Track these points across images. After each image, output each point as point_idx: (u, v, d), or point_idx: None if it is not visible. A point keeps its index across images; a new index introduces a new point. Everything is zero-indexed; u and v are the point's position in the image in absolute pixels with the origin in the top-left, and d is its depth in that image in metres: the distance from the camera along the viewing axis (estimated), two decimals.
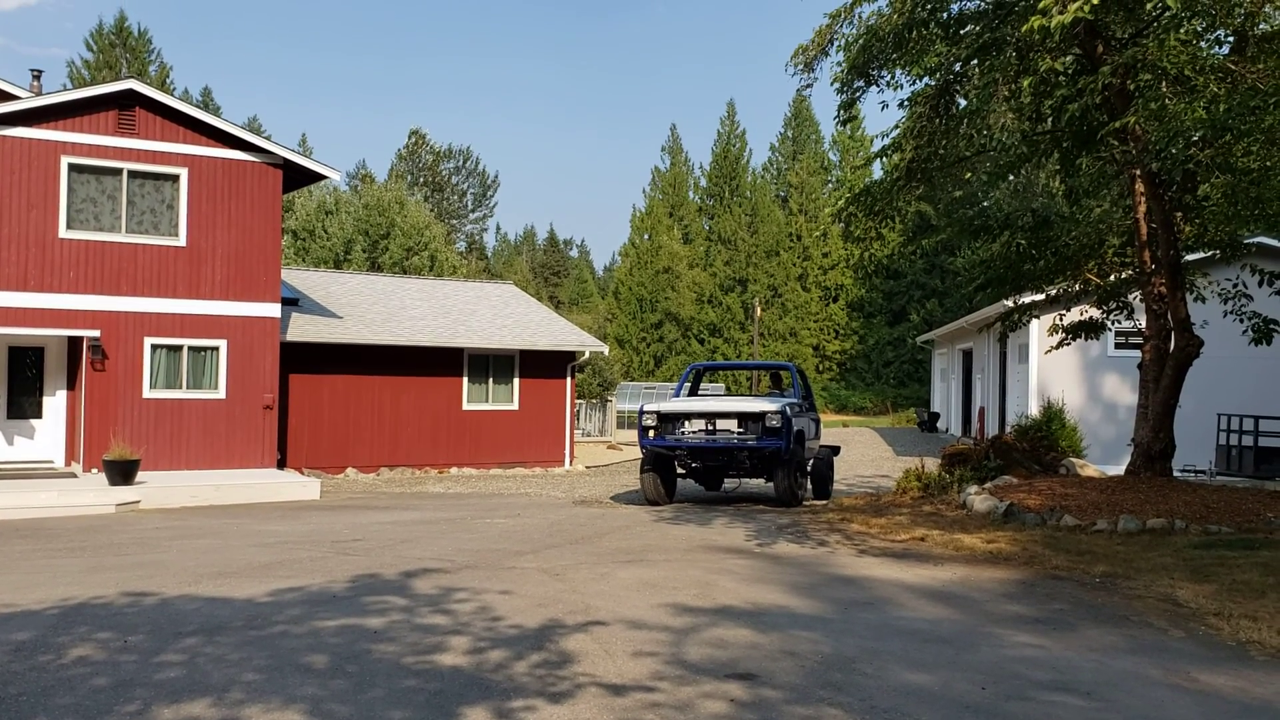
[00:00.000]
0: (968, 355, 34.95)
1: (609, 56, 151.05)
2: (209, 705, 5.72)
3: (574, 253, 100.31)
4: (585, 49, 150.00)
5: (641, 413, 16.51)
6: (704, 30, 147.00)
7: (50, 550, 11.54)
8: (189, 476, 18.18)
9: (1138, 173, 14.24)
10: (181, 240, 19.22)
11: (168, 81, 57.02)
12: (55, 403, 19.61)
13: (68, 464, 19.41)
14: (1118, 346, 23.65)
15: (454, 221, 73.58)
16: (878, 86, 14.96)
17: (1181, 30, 12.23)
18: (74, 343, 19.30)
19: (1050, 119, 14.74)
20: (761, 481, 18.25)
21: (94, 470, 18.20)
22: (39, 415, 19.52)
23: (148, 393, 18.96)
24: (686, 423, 16.20)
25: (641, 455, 16.84)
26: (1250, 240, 17.10)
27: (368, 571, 9.94)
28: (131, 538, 12.59)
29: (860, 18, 14.60)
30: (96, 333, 18.43)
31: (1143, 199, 14.79)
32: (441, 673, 6.39)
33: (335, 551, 11.31)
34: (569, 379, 25.72)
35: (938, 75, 13.92)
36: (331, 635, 7.31)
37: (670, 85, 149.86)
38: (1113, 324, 17.51)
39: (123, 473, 16.73)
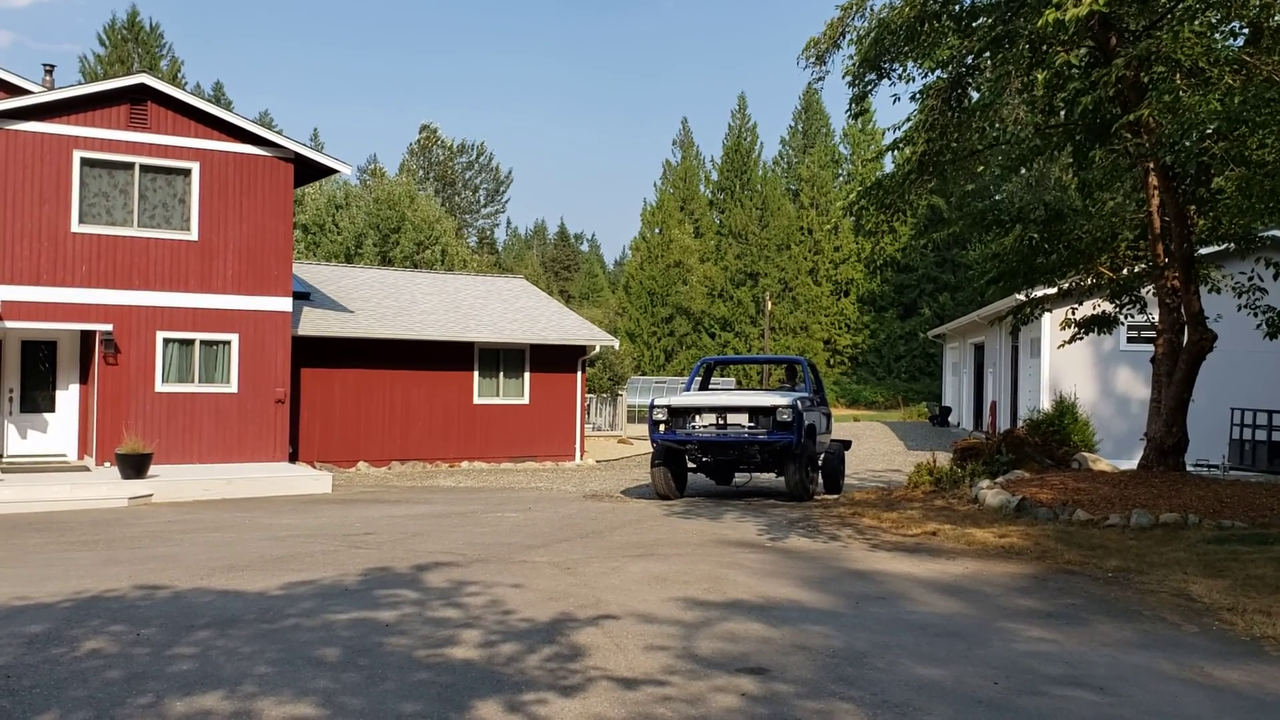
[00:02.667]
0: (979, 349, 34.85)
1: (619, 52, 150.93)
2: (221, 698, 5.73)
3: (585, 247, 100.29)
4: (595, 45, 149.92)
5: (652, 407, 16.49)
6: (713, 24, 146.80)
7: (63, 543, 11.60)
8: (201, 470, 18.24)
9: (1151, 166, 14.16)
10: (193, 234, 19.26)
11: (179, 76, 57.11)
12: (68, 397, 19.69)
13: (80, 457, 19.49)
14: (1130, 340, 23.53)
15: (466, 216, 73.64)
16: (889, 79, 14.89)
17: (1196, 22, 12.15)
18: (86, 337, 19.37)
19: (1063, 111, 14.67)
20: (772, 476, 18.24)
21: (107, 464, 18.27)
22: (52, 409, 19.60)
23: (160, 386, 19.02)
24: (697, 417, 16.18)
25: (652, 449, 16.83)
26: (1265, 234, 16.99)
27: (379, 565, 9.95)
28: (144, 531, 12.64)
29: (872, 10, 14.54)
30: (109, 327, 18.49)
31: (1156, 192, 14.71)
32: (453, 666, 6.40)
33: (347, 545, 11.33)
34: (579, 373, 25.72)
35: (950, 68, 13.85)
36: (343, 628, 7.32)
37: (681, 80, 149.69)
38: (1125, 318, 17.42)
39: (135, 466, 16.79)
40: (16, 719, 5.36)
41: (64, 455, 19.55)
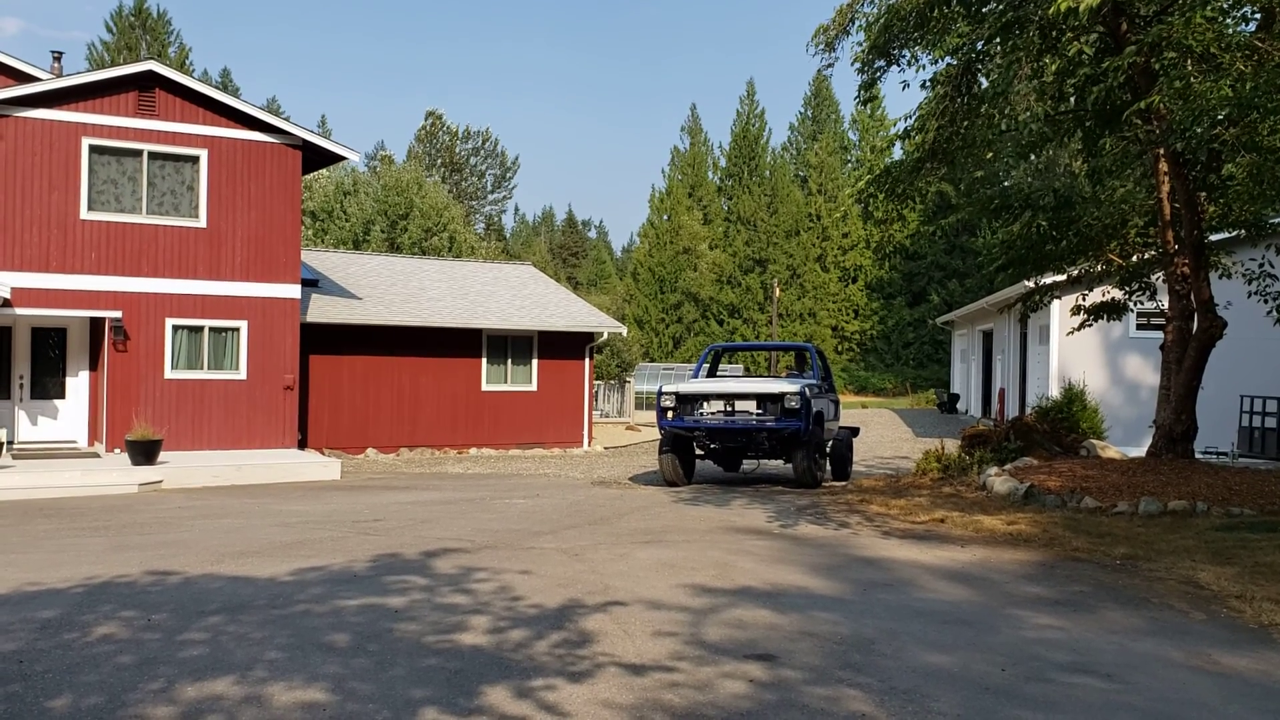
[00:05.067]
0: (988, 336, 34.79)
1: (626, 39, 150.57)
2: (232, 683, 5.77)
3: (592, 234, 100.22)
4: (602, 32, 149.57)
5: (660, 394, 16.50)
6: (722, 10, 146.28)
7: (74, 529, 11.66)
8: (210, 456, 18.31)
9: (1161, 152, 14.09)
10: (202, 221, 19.29)
11: (187, 63, 57.09)
12: (78, 383, 19.75)
13: (91, 444, 19.56)
14: (1140, 327, 23.47)
15: (473, 203, 73.56)
16: (899, 66, 14.85)
17: (1208, 7, 12.06)
18: (96, 324, 19.42)
19: (1073, 98, 14.59)
20: (780, 463, 18.24)
21: (117, 450, 18.34)
22: (62, 396, 19.67)
23: (169, 373, 19.08)
24: (705, 404, 16.18)
25: (660, 436, 16.85)
26: (1276, 220, 16.91)
27: (388, 551, 9.99)
28: (154, 517, 12.70)
29: None
30: (118, 314, 18.54)
31: (1166, 179, 14.64)
32: (462, 652, 6.43)
33: (356, 531, 11.37)
34: (587, 360, 25.73)
35: (960, 54, 13.79)
36: (353, 614, 7.35)
37: (689, 67, 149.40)
38: (1135, 305, 17.36)
39: (145, 453, 16.85)
40: (30, 703, 5.40)
41: (74, 442, 19.62)
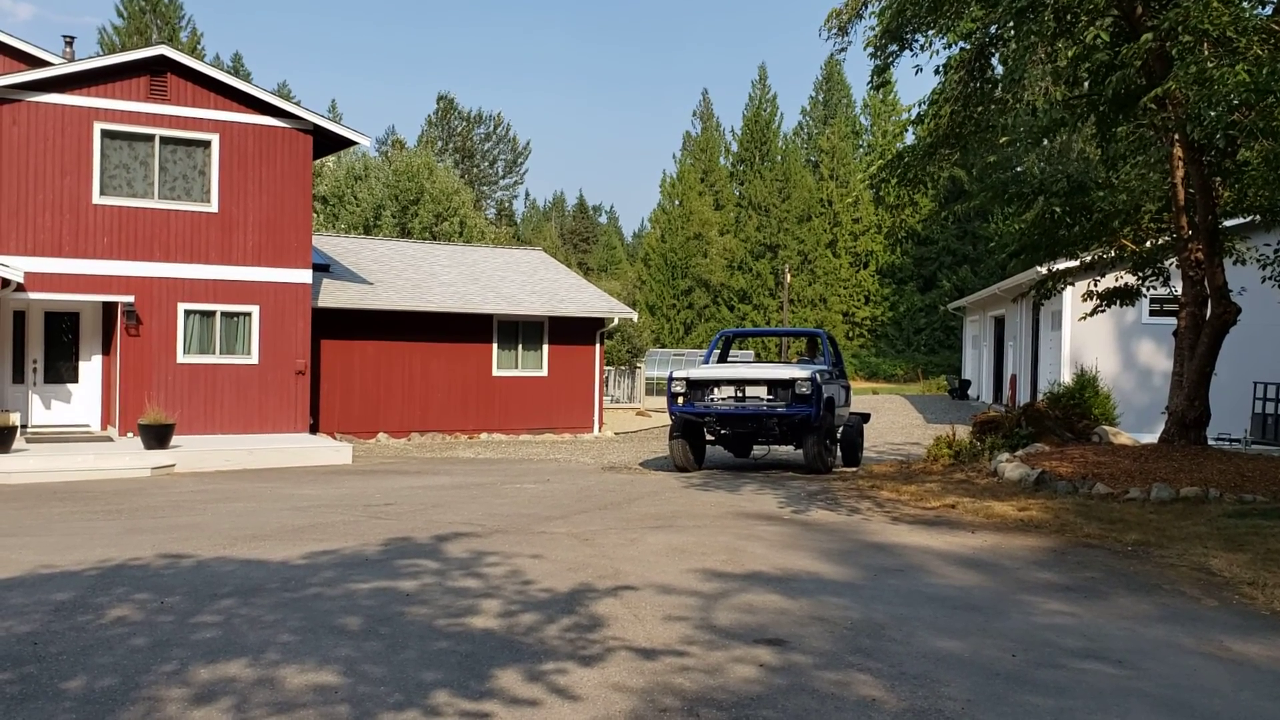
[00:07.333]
0: (1000, 322, 34.66)
1: (640, 23, 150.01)
2: (245, 665, 5.80)
3: (603, 219, 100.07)
4: (615, 15, 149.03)
5: (671, 379, 16.50)
6: None
7: (87, 512, 11.72)
8: (222, 441, 18.37)
9: (1176, 138, 13.99)
10: (213, 206, 19.31)
11: (199, 48, 57.10)
12: (91, 368, 19.82)
13: (104, 428, 19.65)
14: (1153, 313, 23.35)
15: (484, 188, 73.52)
16: (911, 50, 14.74)
17: None
18: (109, 308, 19.47)
19: (1087, 82, 14.49)
20: (791, 448, 18.23)
21: (129, 434, 18.42)
22: (75, 380, 19.75)
23: (181, 358, 19.14)
24: (716, 389, 16.17)
25: (671, 422, 16.85)
26: None
27: (400, 535, 10.03)
28: (167, 501, 12.76)
29: None
30: (130, 298, 18.60)
31: (1181, 164, 14.55)
32: (473, 635, 6.45)
33: (368, 515, 11.41)
34: (598, 345, 25.73)
35: (973, 39, 13.69)
36: (365, 598, 7.38)
37: (701, 51, 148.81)
38: (1148, 290, 17.28)
39: (158, 437, 16.92)
40: (45, 684, 5.44)
41: (87, 425, 19.71)
